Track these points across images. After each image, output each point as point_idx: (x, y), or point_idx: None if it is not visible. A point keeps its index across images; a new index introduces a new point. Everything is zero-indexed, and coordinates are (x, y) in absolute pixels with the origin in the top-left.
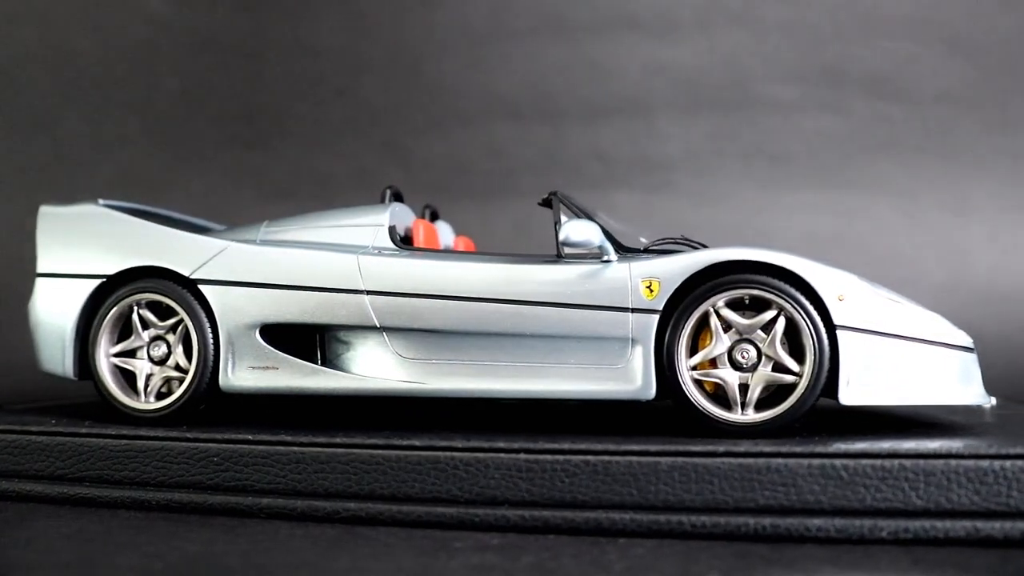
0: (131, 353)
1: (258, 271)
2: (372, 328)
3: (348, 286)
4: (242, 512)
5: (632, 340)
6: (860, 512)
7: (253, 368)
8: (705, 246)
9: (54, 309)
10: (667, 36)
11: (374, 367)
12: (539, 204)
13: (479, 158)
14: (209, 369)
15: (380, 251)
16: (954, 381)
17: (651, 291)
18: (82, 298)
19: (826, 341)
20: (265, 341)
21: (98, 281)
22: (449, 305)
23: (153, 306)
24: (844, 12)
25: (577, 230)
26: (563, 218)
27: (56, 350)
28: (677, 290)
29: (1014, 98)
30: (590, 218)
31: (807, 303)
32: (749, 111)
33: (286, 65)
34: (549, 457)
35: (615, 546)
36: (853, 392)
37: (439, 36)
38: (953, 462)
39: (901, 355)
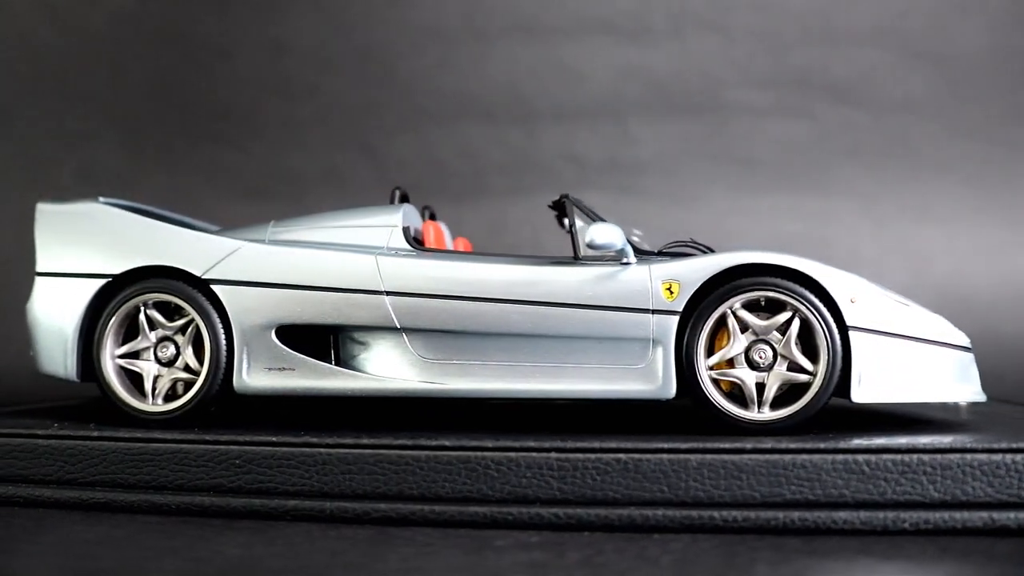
0: (136, 354)
1: (274, 271)
2: (391, 329)
3: (367, 287)
4: (268, 515)
5: (653, 341)
6: (882, 505)
7: (269, 369)
8: (712, 250)
9: (55, 309)
10: (640, 40)
11: (393, 368)
12: (549, 207)
13: (452, 158)
14: (221, 370)
15: (397, 252)
16: (955, 379)
17: (671, 293)
18: (86, 298)
19: (839, 341)
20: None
21: (103, 281)
22: (471, 306)
23: (160, 306)
24: (811, 20)
25: (602, 233)
26: (578, 221)
27: (57, 351)
28: (695, 292)
29: (972, 106)
30: (602, 221)
31: (821, 305)
32: (719, 116)
33: (256, 62)
34: (580, 456)
35: (652, 541)
36: (864, 390)
37: (412, 36)
38: (968, 456)
39: (908, 355)
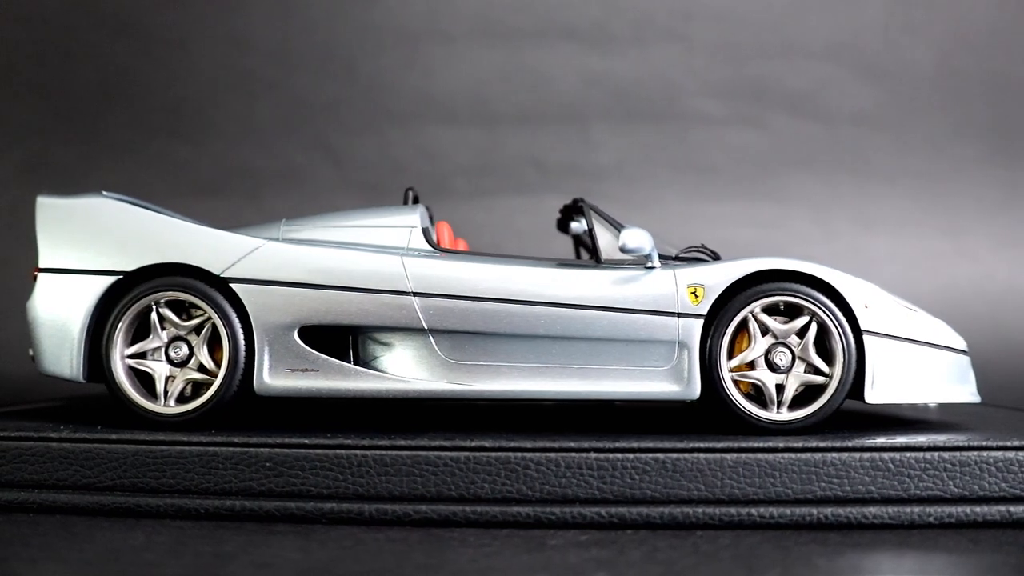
0: (142, 354)
1: (297, 270)
2: (417, 330)
3: (394, 287)
4: (304, 518)
5: (679, 343)
6: (907, 500)
7: (292, 370)
8: (718, 256)
9: (60, 307)
10: (603, 48)
11: (417, 369)
12: (562, 211)
13: (413, 159)
14: (240, 371)
15: (420, 253)
16: (956, 381)
17: (696, 297)
18: (94, 296)
19: (853, 345)
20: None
21: (113, 278)
22: (500, 308)
23: (171, 305)
24: (768, 34)
25: (634, 237)
26: (596, 225)
27: (62, 351)
28: (719, 296)
29: (918, 122)
30: (619, 225)
31: (837, 310)
32: (678, 123)
33: (213, 56)
34: (619, 455)
35: (699, 538)
36: (877, 392)
37: (375, 35)
38: (984, 453)
39: (915, 357)
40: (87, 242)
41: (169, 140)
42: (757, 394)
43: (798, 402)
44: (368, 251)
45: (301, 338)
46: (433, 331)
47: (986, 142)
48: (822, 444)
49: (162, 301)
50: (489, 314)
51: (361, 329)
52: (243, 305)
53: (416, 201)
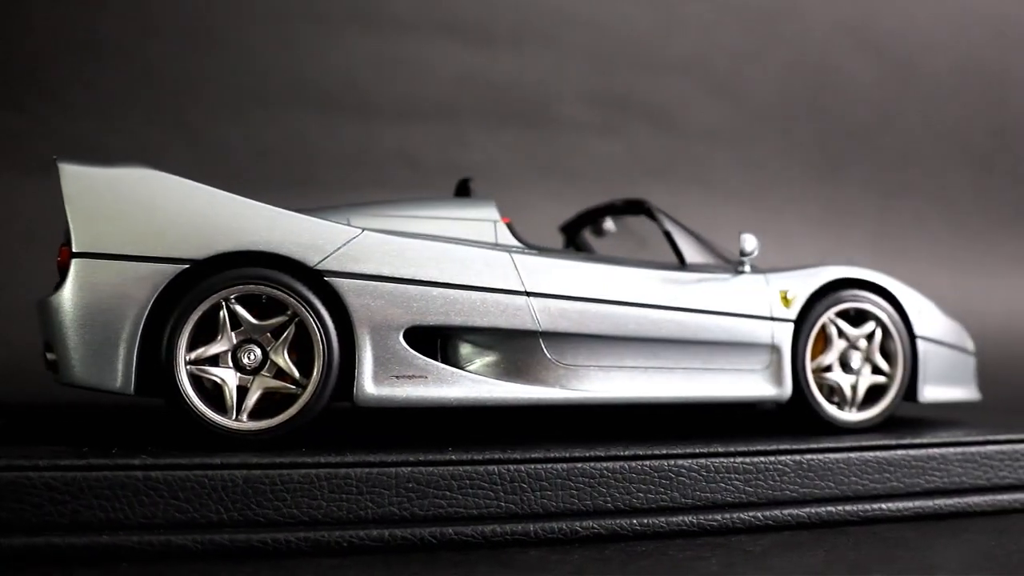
0: (212, 360)
1: (404, 264)
2: (527, 333)
3: (508, 286)
4: (465, 544)
5: (773, 346)
6: (992, 489)
7: (398, 377)
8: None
9: (105, 302)
10: (481, 46)
11: (525, 374)
12: (617, 208)
13: (280, 146)
14: (333, 379)
15: (521, 250)
16: (970, 380)
17: (787, 301)
18: (153, 288)
19: (909, 348)
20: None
21: (180, 267)
22: (616, 311)
23: (244, 302)
24: (634, 48)
25: (751, 241)
26: (671, 227)
27: (106, 356)
28: (806, 301)
29: (756, 142)
30: (685, 229)
31: (897, 316)
32: (548, 128)
33: (52, 13)
34: (761, 459)
35: (857, 533)
36: (928, 392)
37: (247, 11)
38: None
39: (951, 360)
40: (141, 222)
41: None
42: (826, 394)
43: (862, 402)
44: (475, 247)
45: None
46: (546, 334)
47: (810, 164)
48: (924, 440)
49: (232, 298)
50: (606, 316)
51: (455, 331)
52: (339, 302)
53: (467, 192)
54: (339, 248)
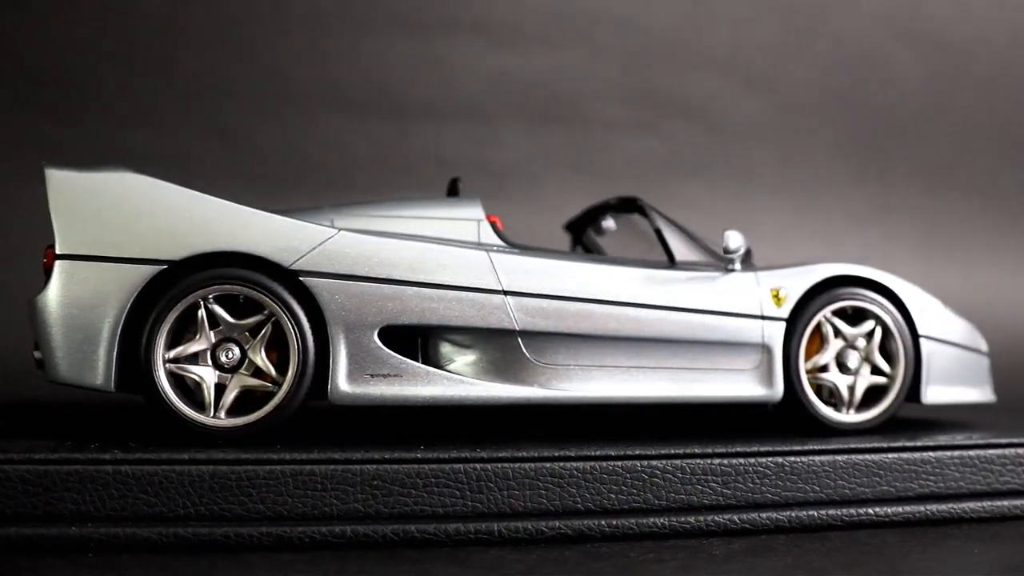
0: (193, 358)
1: (379, 264)
2: (505, 332)
3: (485, 285)
4: (427, 542)
5: (764, 346)
6: (992, 494)
7: (372, 376)
8: (751, 254)
9: (87, 301)
10: (512, 46)
11: (503, 373)
12: (612, 206)
13: (314, 149)
14: (309, 378)
15: (501, 248)
16: (982, 382)
17: (778, 300)
18: (131, 288)
19: (912, 348)
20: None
21: (157, 268)
22: (596, 309)
23: (223, 301)
24: (669, 45)
25: (736, 239)
26: (662, 225)
27: (88, 354)
28: (799, 300)
29: (798, 138)
30: (678, 227)
31: (898, 314)
32: (581, 127)
33: (93, 23)
34: (741, 460)
35: (843, 539)
36: (932, 392)
37: (280, 16)
38: None
39: (958, 360)
40: (121, 224)
41: (38, 115)
42: (820, 395)
43: (860, 404)
44: (452, 245)
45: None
46: (524, 332)
47: (856, 160)
48: (919, 443)
49: (211, 297)
50: (585, 315)
51: (433, 330)
52: (314, 302)
53: (456, 192)
54: (314, 248)
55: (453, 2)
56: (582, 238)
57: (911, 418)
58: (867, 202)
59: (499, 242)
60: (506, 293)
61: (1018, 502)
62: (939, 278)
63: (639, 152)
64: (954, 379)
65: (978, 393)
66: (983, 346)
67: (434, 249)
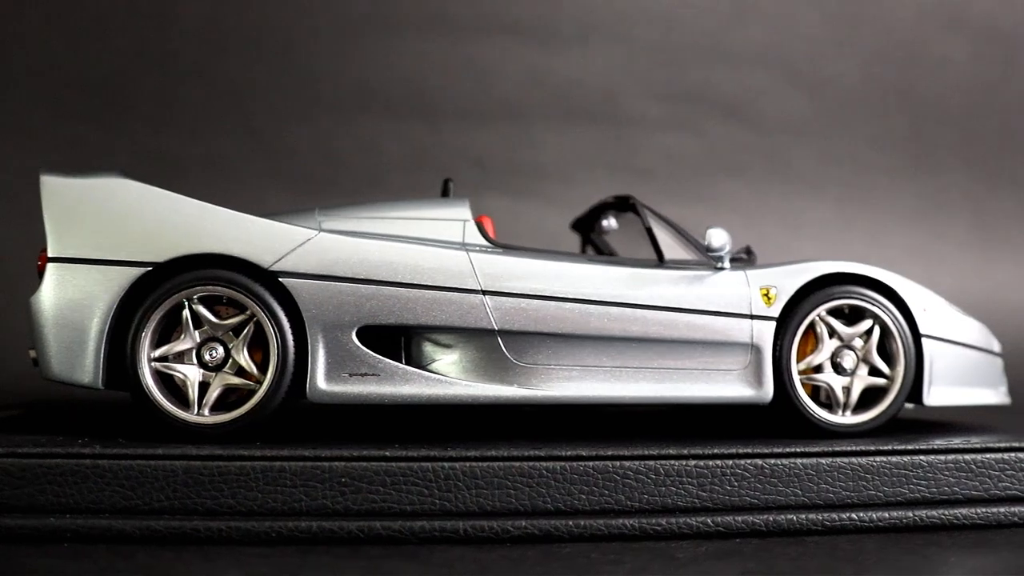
0: (173, 357)
1: (357, 265)
2: (484, 331)
3: (463, 285)
4: (392, 539)
5: (753, 346)
6: (989, 500)
7: (350, 375)
8: (754, 254)
9: (76, 302)
10: (546, 45)
11: (483, 373)
12: (610, 205)
13: (348, 151)
14: (288, 376)
15: (483, 248)
16: (995, 383)
17: (768, 299)
18: (118, 289)
19: (912, 348)
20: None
21: (142, 270)
22: (576, 309)
23: (207, 302)
24: (707, 40)
25: (719, 236)
26: (653, 223)
27: (77, 353)
28: (790, 298)
29: (842, 132)
30: (671, 225)
31: (898, 313)
32: (617, 125)
33: (132, 33)
34: (718, 462)
35: (816, 544)
36: (935, 394)
37: (311, 20)
38: None
39: (965, 360)
40: (108, 228)
41: (81, 122)
42: (817, 397)
43: (857, 405)
44: (432, 245)
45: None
46: (503, 332)
47: (903, 154)
48: (909, 447)
49: (195, 298)
50: (564, 315)
51: (415, 330)
52: (294, 302)
53: (447, 193)
54: (294, 249)
55: (486, 2)
56: (590, 237)
57: (918, 420)
58: (914, 197)
59: (484, 242)
60: (485, 293)
61: (1014, 508)
62: (993, 273)
63: (677, 151)
64: (961, 380)
65: (990, 395)
66: (995, 346)
67: (413, 249)
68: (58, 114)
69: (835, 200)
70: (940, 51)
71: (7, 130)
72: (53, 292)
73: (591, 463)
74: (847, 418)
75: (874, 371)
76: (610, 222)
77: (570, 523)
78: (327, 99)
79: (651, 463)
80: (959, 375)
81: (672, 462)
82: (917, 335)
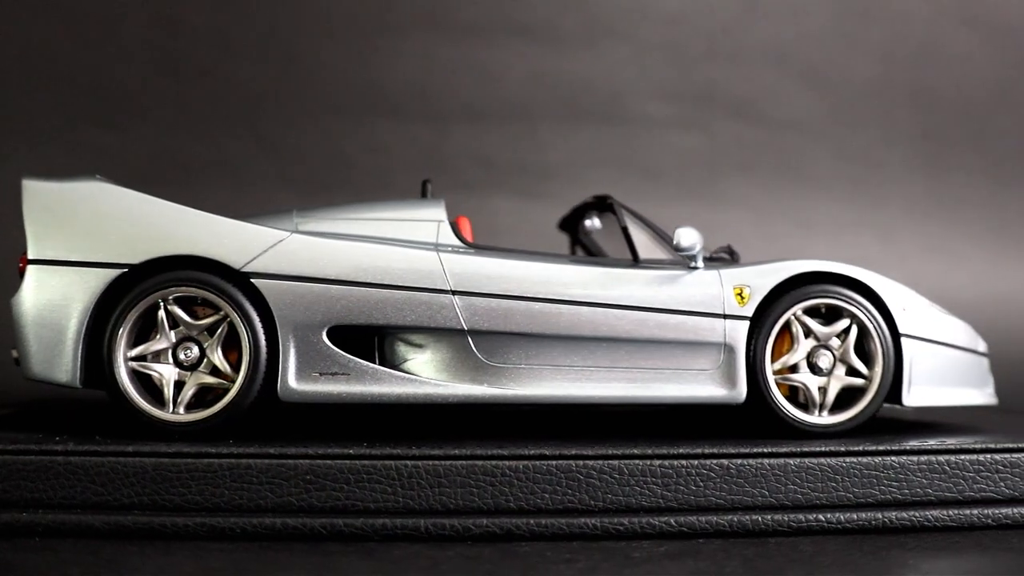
0: (151, 356)
1: (327, 266)
2: (454, 331)
3: (433, 285)
4: (353, 536)
5: (725, 346)
6: (963, 503)
7: (321, 374)
8: (737, 255)
9: (54, 303)
10: (552, 46)
11: (454, 373)
12: (576, 209)
13: (356, 153)
14: (261, 376)
15: (455, 249)
16: (980, 383)
17: (742, 298)
18: (94, 291)
19: (891, 347)
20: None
21: (117, 271)
22: (546, 308)
23: (183, 302)
24: (715, 38)
25: (688, 236)
26: (629, 223)
27: (56, 352)
28: (764, 298)
29: (853, 131)
30: (645, 222)
31: (877, 313)
32: (625, 125)
33: (143, 37)
34: (683, 462)
35: (777, 545)
36: (914, 394)
37: (318, 24)
38: None
39: (947, 360)
40: (86, 231)
41: (93, 125)
42: (796, 397)
43: (835, 405)
44: (402, 246)
45: (329, 339)
46: (473, 332)
47: (915, 152)
48: (880, 447)
49: (170, 298)
50: (534, 314)
51: (388, 330)
52: (265, 303)
53: (425, 194)
54: (265, 251)
55: (491, 3)
56: (578, 237)
57: (898, 421)
58: (928, 195)
59: (457, 243)
60: (454, 293)
61: (988, 510)
62: (1009, 272)
63: (686, 150)
64: (943, 380)
65: (975, 395)
66: (980, 346)
67: (383, 251)
68: (70, 119)
69: (847, 199)
70: (954, 48)
71: (21, 135)
72: (33, 293)
73: (555, 462)
74: (823, 418)
75: (852, 371)
76: (593, 222)
77: (531, 522)
78: (335, 102)
79: (615, 463)
80: (941, 375)
81: (636, 462)
82: (896, 335)
